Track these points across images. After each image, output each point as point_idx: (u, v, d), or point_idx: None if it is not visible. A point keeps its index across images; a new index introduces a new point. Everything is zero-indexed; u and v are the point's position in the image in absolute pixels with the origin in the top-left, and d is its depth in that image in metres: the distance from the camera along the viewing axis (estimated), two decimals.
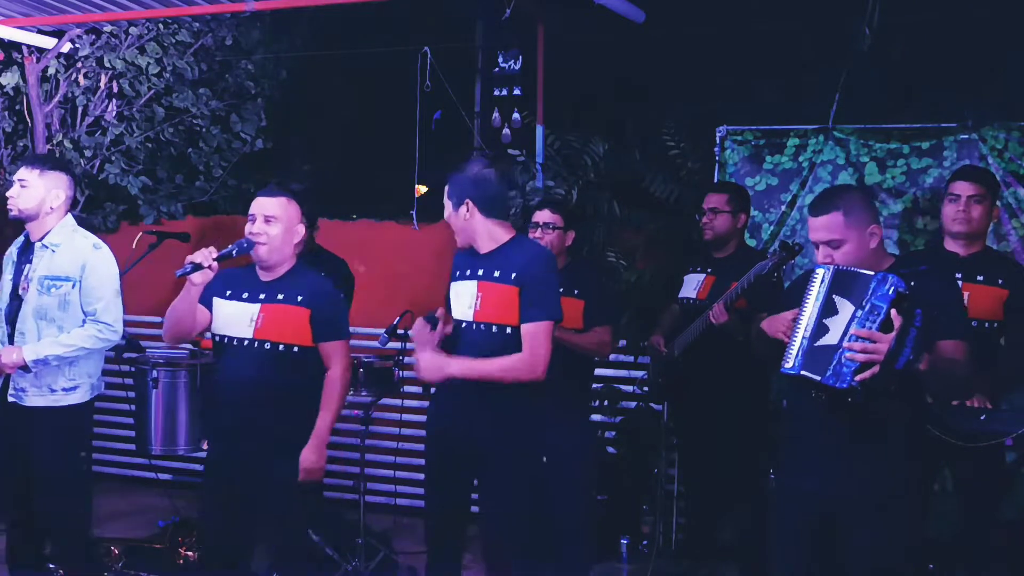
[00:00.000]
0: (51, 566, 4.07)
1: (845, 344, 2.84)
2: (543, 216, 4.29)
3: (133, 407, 4.60)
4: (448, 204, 3.44)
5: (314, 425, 3.56)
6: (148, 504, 5.57)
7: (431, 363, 3.34)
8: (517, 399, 3.33)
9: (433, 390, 3.53)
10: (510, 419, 3.34)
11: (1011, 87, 4.86)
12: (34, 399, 3.82)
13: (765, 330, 3.14)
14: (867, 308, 2.84)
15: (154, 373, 4.48)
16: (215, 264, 3.42)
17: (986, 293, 3.72)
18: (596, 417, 5.39)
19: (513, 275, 3.32)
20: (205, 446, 3.97)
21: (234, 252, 3.51)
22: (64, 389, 3.85)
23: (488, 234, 3.41)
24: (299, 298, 3.54)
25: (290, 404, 3.53)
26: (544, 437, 3.45)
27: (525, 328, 3.29)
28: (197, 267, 3.40)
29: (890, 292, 2.81)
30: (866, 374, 2.81)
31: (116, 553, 4.53)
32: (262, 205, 3.55)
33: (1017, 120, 4.73)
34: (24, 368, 3.76)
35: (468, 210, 3.39)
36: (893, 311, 2.80)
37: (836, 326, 2.91)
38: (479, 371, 3.31)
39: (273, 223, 3.53)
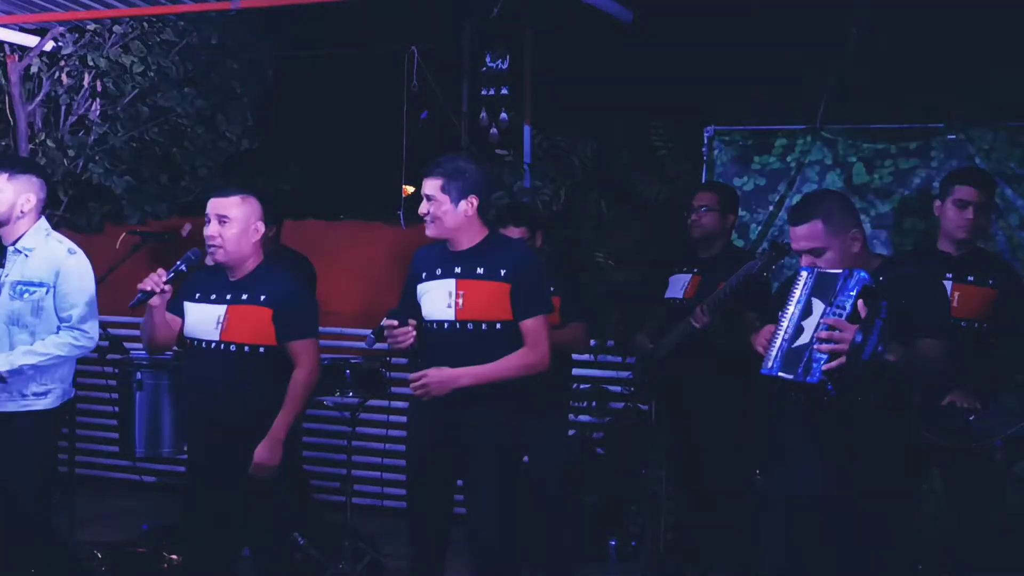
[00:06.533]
0: (33, 571, 4.02)
1: (815, 335, 2.89)
2: (511, 233, 4.26)
3: (116, 409, 4.55)
4: (443, 196, 3.36)
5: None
6: (132, 507, 5.53)
7: (439, 378, 3.29)
8: (501, 396, 3.32)
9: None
10: (496, 416, 3.33)
11: (998, 87, 4.86)
12: (6, 404, 3.75)
13: (753, 345, 3.15)
14: (835, 304, 2.89)
15: (138, 375, 4.44)
16: (168, 287, 3.42)
17: (976, 294, 3.72)
18: (584, 418, 5.39)
19: (502, 272, 3.33)
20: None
21: (184, 268, 3.52)
22: (35, 394, 3.78)
23: (472, 232, 3.40)
24: (262, 297, 3.50)
25: (259, 407, 3.47)
26: (525, 432, 3.45)
27: (526, 324, 3.32)
28: (149, 295, 3.41)
29: (855, 285, 2.86)
30: (833, 364, 2.84)
31: (99, 557, 4.49)
32: (215, 205, 3.53)
33: (1004, 120, 4.74)
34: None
35: (471, 206, 3.37)
36: (860, 303, 2.83)
37: (809, 326, 2.96)
38: (490, 375, 3.30)
39: (228, 224, 3.49)
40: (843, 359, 2.83)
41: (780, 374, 2.99)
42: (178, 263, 3.51)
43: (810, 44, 5.08)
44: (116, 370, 4.56)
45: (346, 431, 4.67)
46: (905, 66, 4.98)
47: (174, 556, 4.48)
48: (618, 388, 5.37)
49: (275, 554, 3.59)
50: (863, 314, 2.83)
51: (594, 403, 5.36)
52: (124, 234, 5.27)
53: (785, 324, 3.01)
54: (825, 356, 2.85)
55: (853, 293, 2.86)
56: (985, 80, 4.90)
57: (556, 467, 4.36)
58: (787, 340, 2.99)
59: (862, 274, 2.88)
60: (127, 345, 4.79)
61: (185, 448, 4.05)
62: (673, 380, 4.44)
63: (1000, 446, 3.68)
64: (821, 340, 2.86)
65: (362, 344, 4.61)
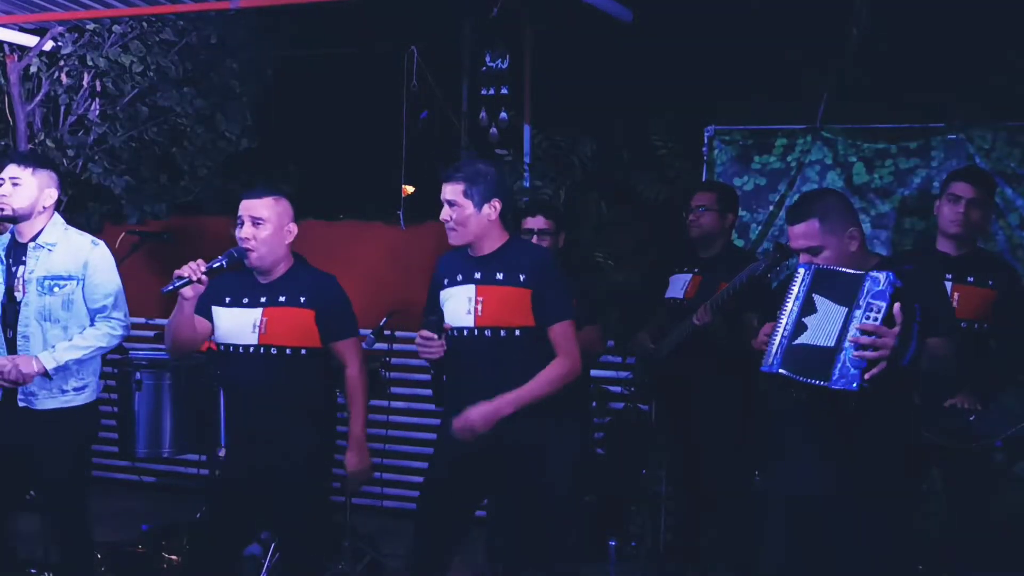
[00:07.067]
0: (33, 571, 4.02)
1: (851, 340, 2.82)
2: (537, 223, 4.27)
3: (116, 409, 4.55)
4: (465, 201, 3.28)
5: (326, 427, 3.56)
6: (131, 507, 5.52)
7: (483, 414, 3.20)
8: (540, 406, 3.26)
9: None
10: (538, 424, 3.28)
11: (998, 87, 4.87)
12: (46, 402, 3.73)
13: (755, 346, 3.14)
14: (864, 306, 2.83)
15: (137, 375, 4.43)
16: (204, 278, 3.31)
17: (976, 294, 3.71)
18: None
19: (522, 277, 3.26)
20: (222, 452, 3.91)
21: (224, 263, 3.39)
22: (75, 389, 3.78)
23: (494, 236, 3.33)
24: (302, 299, 3.44)
25: (303, 408, 3.46)
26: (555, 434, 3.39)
27: (554, 330, 3.26)
28: (185, 282, 3.29)
29: (888, 288, 2.81)
30: (874, 370, 2.79)
31: (99, 557, 4.48)
32: (249, 207, 3.43)
33: (1004, 120, 4.74)
34: (45, 375, 3.69)
35: (494, 210, 3.30)
36: (896, 306, 2.79)
37: (821, 326, 2.91)
38: (530, 396, 3.22)
39: (262, 226, 3.40)
40: (884, 364, 2.77)
41: (781, 371, 2.96)
42: (220, 257, 3.38)
43: (810, 44, 5.08)
44: (115, 370, 4.55)
45: (346, 431, 4.66)
46: (905, 66, 4.99)
47: (174, 556, 4.49)
48: (618, 388, 5.37)
49: (304, 555, 3.53)
50: (899, 318, 2.77)
51: (594, 403, 5.35)
52: (123, 234, 5.26)
53: (784, 321, 2.99)
54: (863, 363, 2.79)
55: (886, 297, 2.78)
56: (985, 80, 4.90)
57: (569, 468, 4.32)
58: (787, 337, 2.97)
59: (892, 276, 2.81)
60: (126, 345, 4.78)
61: (218, 452, 4.02)
62: (674, 380, 4.44)
63: (1000, 446, 3.69)
64: (863, 347, 2.79)
65: (362, 344, 4.62)
